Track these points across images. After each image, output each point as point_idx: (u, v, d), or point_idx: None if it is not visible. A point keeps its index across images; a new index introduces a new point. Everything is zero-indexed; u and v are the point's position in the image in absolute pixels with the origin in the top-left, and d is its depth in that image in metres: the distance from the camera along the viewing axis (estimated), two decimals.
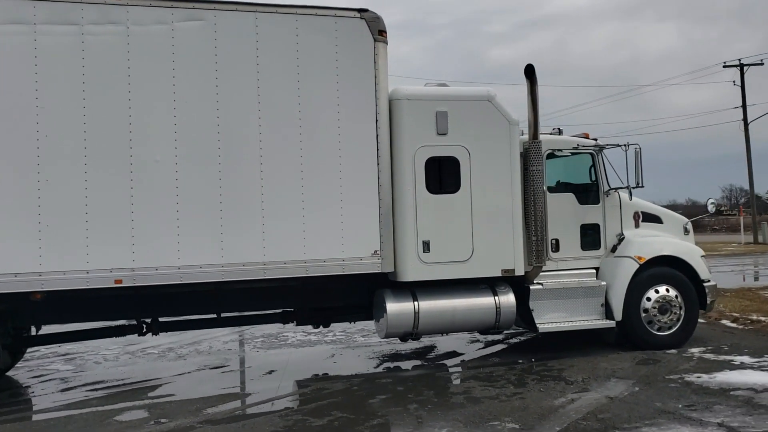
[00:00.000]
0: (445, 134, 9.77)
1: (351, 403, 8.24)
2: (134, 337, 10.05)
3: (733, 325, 12.68)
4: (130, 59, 8.55)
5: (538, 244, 10.14)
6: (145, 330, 9.64)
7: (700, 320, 13.13)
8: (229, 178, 8.86)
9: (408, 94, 9.72)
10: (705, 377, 8.76)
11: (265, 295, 9.63)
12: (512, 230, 10.00)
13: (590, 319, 10.50)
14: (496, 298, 10.08)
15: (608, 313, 10.50)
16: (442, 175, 9.82)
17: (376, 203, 9.40)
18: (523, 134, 10.51)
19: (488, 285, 10.15)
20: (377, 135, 9.42)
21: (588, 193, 10.97)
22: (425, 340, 12.04)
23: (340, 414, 7.74)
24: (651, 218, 11.37)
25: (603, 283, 10.56)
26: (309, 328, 12.04)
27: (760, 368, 9.15)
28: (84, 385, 9.66)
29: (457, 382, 9.28)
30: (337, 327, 12.96)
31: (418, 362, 10.58)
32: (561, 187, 11.02)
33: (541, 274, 10.39)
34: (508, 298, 10.13)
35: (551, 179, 10.91)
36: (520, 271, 10.06)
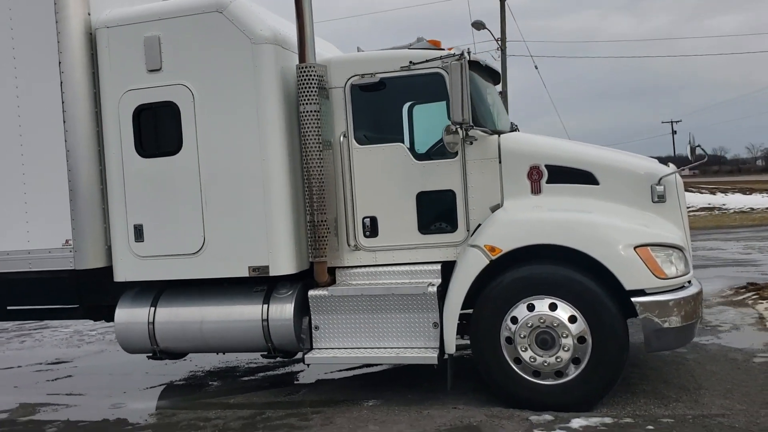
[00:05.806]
0: (158, 70, 6.72)
1: None
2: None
3: None
4: None
5: (317, 227, 6.49)
6: None
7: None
8: None
9: (107, 20, 6.86)
10: None
11: (30, 288, 7.86)
12: (263, 207, 6.53)
13: (404, 348, 6.40)
14: (265, 306, 6.78)
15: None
16: (159, 131, 6.82)
17: (63, 176, 6.94)
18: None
19: (266, 287, 6.88)
20: (61, 82, 6.89)
21: (435, 140, 6.62)
22: None
23: None
24: (571, 176, 6.41)
25: (432, 288, 6.31)
26: None
27: None
28: None
29: None
30: None
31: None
32: (383, 136, 6.85)
33: (351, 271, 6.69)
34: (283, 309, 6.73)
35: (378, 121, 6.88)
36: (281, 269, 6.56)
